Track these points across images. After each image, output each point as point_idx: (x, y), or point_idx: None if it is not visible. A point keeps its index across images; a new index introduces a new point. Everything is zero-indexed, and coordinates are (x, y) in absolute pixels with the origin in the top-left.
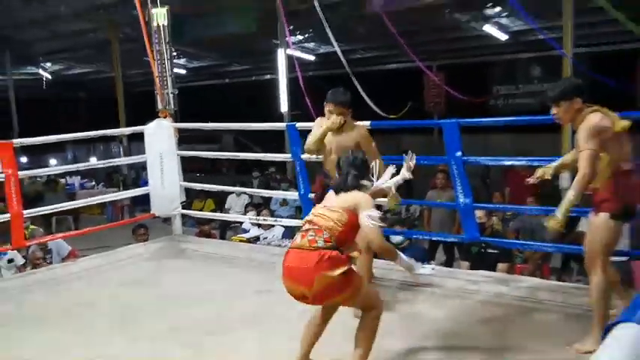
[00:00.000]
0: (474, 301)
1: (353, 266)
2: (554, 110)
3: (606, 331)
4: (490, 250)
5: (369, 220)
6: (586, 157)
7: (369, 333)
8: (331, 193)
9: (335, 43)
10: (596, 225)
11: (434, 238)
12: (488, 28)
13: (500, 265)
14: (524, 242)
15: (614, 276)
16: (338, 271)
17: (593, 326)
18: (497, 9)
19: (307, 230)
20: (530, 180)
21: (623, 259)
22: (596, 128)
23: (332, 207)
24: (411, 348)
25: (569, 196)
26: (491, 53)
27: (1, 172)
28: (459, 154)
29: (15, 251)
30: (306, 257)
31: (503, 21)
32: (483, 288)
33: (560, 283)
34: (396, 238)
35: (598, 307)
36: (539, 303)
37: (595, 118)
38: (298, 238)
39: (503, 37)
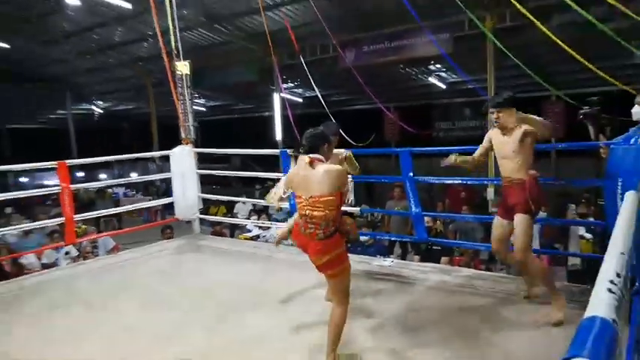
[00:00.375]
0: (424, 287)
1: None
2: (496, 115)
3: None
4: (435, 247)
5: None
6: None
7: (339, 326)
8: (304, 170)
9: (316, 89)
10: (521, 223)
11: (392, 238)
12: (432, 80)
13: (443, 259)
14: (460, 242)
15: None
16: (333, 254)
17: (552, 300)
18: (438, 65)
19: (307, 223)
20: (445, 163)
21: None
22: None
23: (322, 196)
24: (374, 324)
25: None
26: (434, 98)
27: (58, 185)
28: (411, 174)
29: (70, 245)
30: (309, 244)
31: (443, 74)
32: (431, 277)
33: (490, 272)
34: (364, 237)
35: (546, 284)
36: (474, 289)
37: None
38: (302, 226)
39: (442, 86)
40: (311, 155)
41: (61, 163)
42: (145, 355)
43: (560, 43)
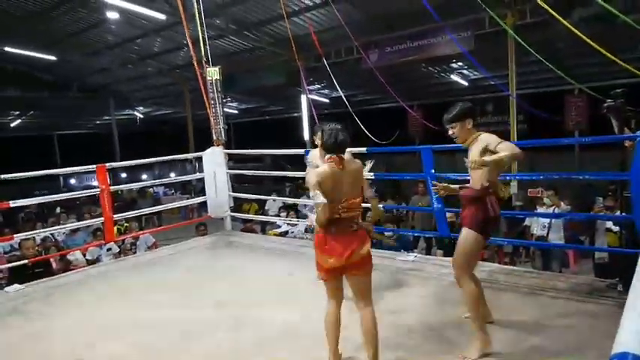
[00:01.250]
0: (447, 281)
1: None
2: (450, 131)
3: None
4: None
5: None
6: (509, 144)
7: (375, 326)
8: (334, 173)
9: (340, 90)
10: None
11: (415, 234)
12: (454, 77)
13: None
14: None
15: None
16: (368, 245)
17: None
18: (460, 63)
19: (341, 226)
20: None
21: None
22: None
23: (353, 199)
24: (397, 318)
25: (502, 155)
26: (456, 95)
27: (98, 187)
28: (432, 171)
29: (112, 242)
30: (348, 239)
31: (465, 72)
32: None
33: (513, 267)
34: (388, 233)
35: (472, 311)
36: (496, 283)
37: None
38: (334, 229)
39: (464, 83)
40: (340, 155)
41: (100, 166)
42: (175, 349)
43: (582, 36)
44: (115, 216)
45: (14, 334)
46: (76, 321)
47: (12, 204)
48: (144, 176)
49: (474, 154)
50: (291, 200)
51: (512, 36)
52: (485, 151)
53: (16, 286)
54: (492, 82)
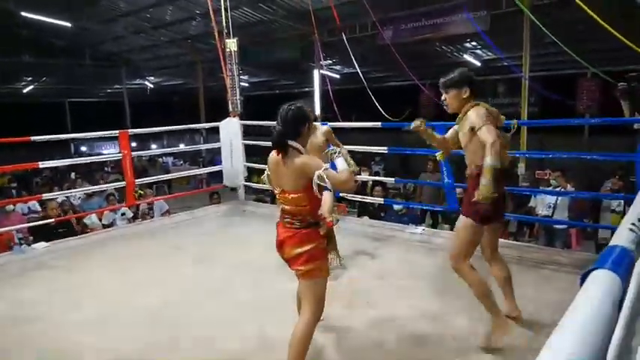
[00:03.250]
0: None
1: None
2: (444, 96)
3: (582, 279)
4: None
5: (322, 184)
6: (487, 130)
7: (302, 342)
8: (277, 162)
9: (356, 66)
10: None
11: (425, 207)
12: (467, 57)
13: None
14: None
15: None
16: (305, 248)
17: (493, 321)
18: (474, 43)
19: (283, 214)
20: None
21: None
22: (486, 114)
23: (288, 194)
24: (406, 285)
25: (488, 162)
26: None
27: (120, 152)
28: None
29: (126, 207)
30: (284, 233)
31: (478, 52)
32: None
33: (516, 242)
34: (397, 207)
35: (482, 300)
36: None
37: (482, 109)
38: (280, 216)
39: (477, 63)
40: (289, 143)
41: (123, 132)
42: (200, 302)
43: (597, 18)
44: (135, 181)
45: (45, 286)
46: (101, 277)
47: (41, 165)
48: (153, 146)
49: (464, 128)
50: None
51: (528, 16)
52: (473, 130)
53: (43, 243)
54: (506, 64)
